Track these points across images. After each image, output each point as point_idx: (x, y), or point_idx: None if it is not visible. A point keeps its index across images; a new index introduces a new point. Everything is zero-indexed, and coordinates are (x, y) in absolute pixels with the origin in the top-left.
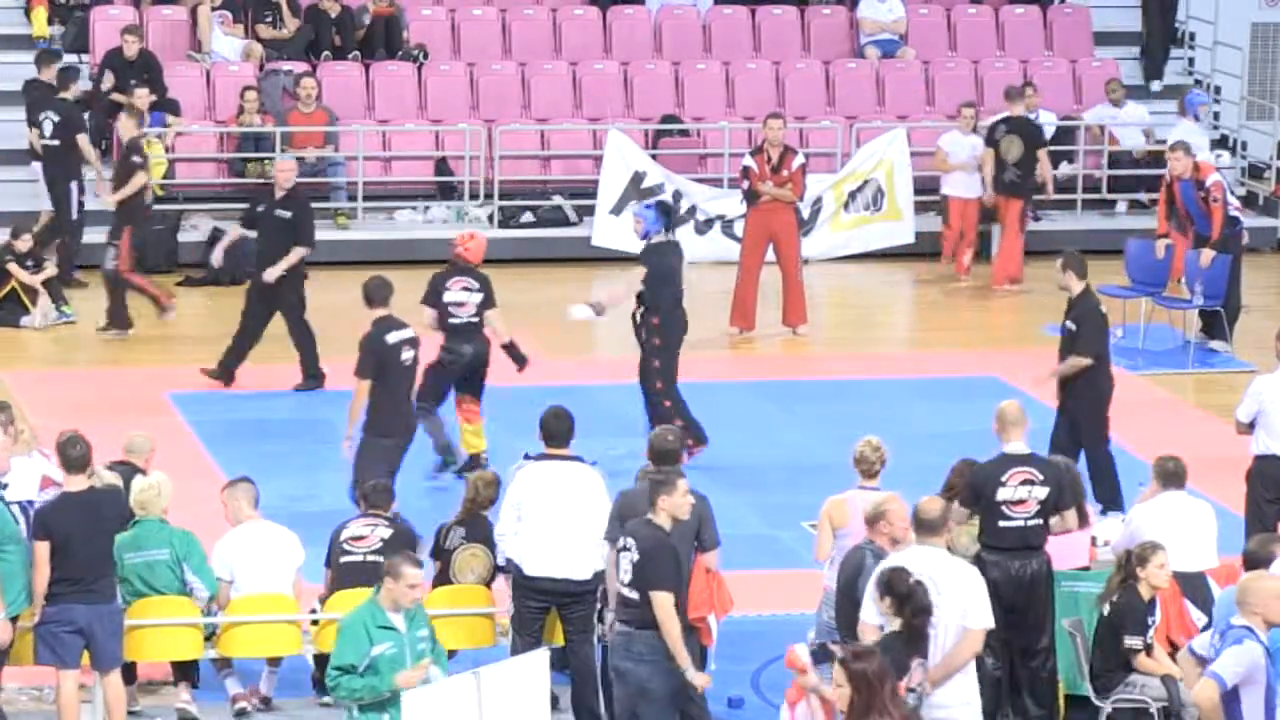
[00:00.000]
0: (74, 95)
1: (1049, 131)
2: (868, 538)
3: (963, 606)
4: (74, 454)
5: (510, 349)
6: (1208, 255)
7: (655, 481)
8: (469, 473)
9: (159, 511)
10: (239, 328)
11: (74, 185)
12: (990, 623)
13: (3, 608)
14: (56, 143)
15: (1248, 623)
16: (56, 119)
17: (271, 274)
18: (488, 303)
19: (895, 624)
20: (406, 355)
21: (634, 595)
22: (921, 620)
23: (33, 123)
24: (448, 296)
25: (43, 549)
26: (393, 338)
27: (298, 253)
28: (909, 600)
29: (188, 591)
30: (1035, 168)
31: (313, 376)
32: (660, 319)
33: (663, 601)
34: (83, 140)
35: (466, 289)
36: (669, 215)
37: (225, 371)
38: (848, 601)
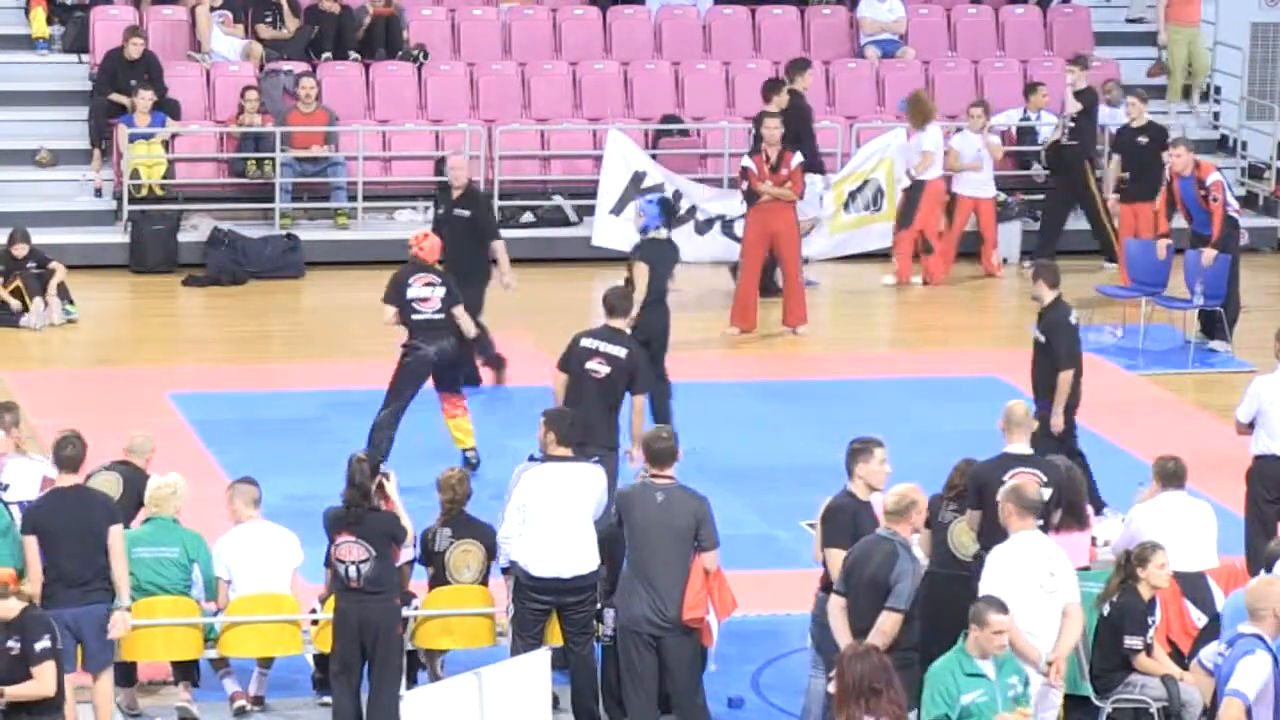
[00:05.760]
0: (802, 87)
1: (1048, 132)
2: (887, 527)
3: (1071, 586)
4: (66, 453)
5: (479, 343)
6: (1209, 255)
7: (854, 450)
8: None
9: (172, 511)
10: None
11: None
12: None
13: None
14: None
15: (1258, 630)
16: None
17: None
18: (451, 298)
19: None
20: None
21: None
22: None
23: None
24: (410, 293)
25: (31, 544)
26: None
27: (496, 248)
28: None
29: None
30: None
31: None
32: (641, 313)
33: (829, 557)
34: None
35: (429, 284)
36: (670, 213)
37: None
38: (875, 592)
